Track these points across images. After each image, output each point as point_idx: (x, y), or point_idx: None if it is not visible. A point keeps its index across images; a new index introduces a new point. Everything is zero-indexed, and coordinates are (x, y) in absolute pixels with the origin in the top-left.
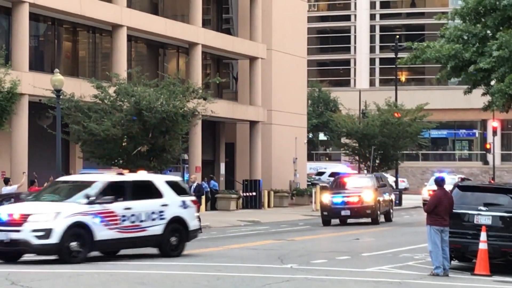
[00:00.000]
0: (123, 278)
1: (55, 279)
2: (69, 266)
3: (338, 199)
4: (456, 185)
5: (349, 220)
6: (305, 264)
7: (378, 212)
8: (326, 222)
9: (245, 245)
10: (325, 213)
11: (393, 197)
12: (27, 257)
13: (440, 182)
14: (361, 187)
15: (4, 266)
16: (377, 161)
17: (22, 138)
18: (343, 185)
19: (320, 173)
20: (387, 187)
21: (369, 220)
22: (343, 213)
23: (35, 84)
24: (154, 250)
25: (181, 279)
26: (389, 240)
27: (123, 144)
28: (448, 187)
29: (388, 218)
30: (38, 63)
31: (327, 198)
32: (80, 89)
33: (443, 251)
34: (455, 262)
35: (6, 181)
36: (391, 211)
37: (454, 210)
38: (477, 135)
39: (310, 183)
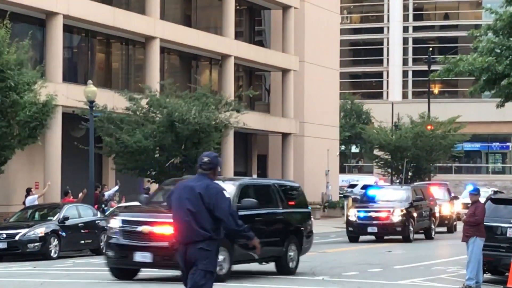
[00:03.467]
0: None
1: None
2: (103, 277)
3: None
4: (489, 198)
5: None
6: (337, 276)
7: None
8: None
9: None
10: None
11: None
12: (62, 266)
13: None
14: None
15: (37, 276)
16: (410, 174)
17: (55, 149)
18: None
19: (353, 186)
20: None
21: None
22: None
23: (69, 96)
24: None
25: None
26: (422, 253)
27: (156, 155)
28: (481, 200)
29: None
30: (71, 75)
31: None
32: (113, 100)
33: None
34: (487, 275)
35: (28, 191)
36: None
37: (487, 223)
38: (510, 148)
39: (342, 195)
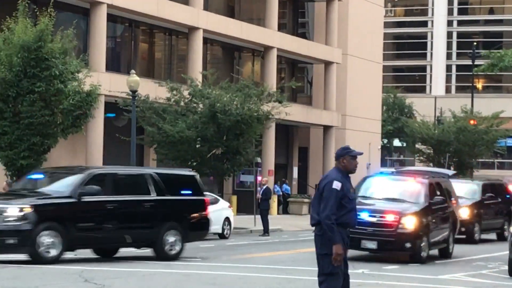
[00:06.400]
0: (195, 278)
1: (128, 277)
2: (143, 265)
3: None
4: None
5: None
6: (376, 269)
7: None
8: None
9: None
10: None
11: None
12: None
13: None
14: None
15: (78, 263)
16: (452, 169)
17: (97, 138)
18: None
19: None
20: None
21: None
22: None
23: (111, 85)
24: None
25: (253, 281)
26: (463, 248)
27: (197, 146)
28: None
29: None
30: (114, 64)
31: None
32: (156, 91)
33: None
34: None
35: None
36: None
37: None
38: None
39: None
